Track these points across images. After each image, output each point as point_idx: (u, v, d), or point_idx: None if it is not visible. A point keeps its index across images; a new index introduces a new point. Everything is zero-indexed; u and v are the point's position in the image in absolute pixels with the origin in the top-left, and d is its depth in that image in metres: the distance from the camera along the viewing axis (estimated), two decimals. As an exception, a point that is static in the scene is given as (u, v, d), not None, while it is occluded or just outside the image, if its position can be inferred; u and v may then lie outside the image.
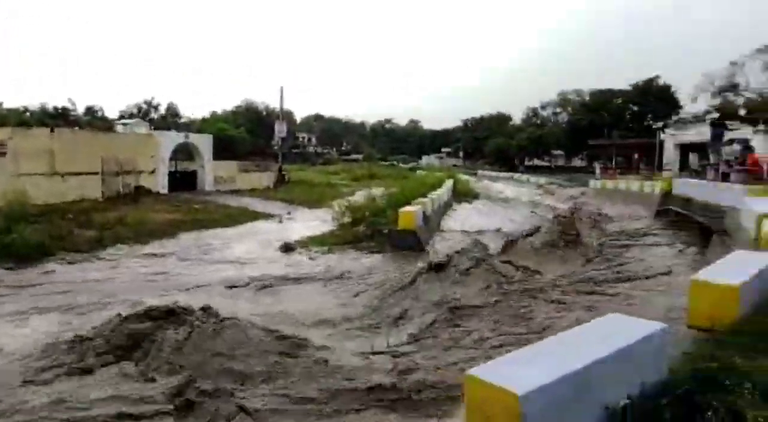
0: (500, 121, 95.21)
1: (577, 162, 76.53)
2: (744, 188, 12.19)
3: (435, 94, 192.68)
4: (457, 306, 7.89)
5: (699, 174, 24.52)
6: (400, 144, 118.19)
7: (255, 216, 21.02)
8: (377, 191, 23.30)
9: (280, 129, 40.40)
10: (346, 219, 16.70)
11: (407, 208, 15.25)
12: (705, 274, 5.36)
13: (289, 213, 23.60)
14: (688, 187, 18.87)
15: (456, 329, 7.12)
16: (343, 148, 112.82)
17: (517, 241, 13.60)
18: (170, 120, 76.46)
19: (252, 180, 32.18)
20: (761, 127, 39.98)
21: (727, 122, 30.34)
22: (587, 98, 74.02)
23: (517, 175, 60.04)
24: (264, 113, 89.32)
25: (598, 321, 4.05)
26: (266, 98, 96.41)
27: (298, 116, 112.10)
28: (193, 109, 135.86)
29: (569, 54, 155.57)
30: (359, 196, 19.71)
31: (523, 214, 22.48)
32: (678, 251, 12.72)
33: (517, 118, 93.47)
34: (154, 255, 13.41)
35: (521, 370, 3.09)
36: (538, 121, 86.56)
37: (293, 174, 40.31)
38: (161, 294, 9.25)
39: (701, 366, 3.77)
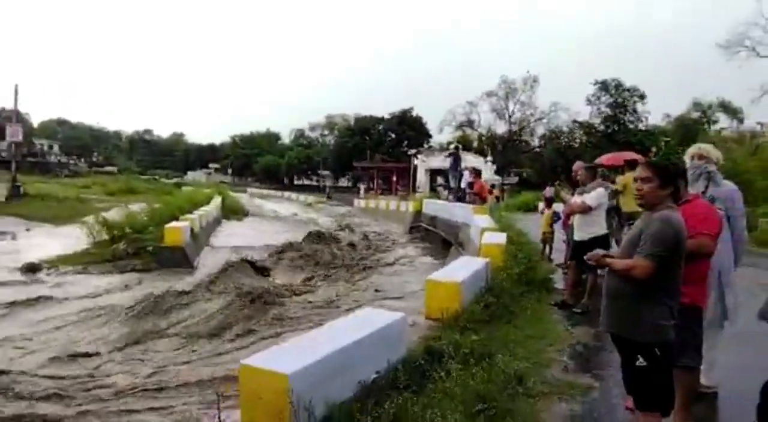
0: (270, 139, 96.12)
1: (344, 182, 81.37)
2: (472, 208, 14.77)
3: (201, 107, 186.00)
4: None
5: (442, 196, 28.43)
6: (162, 157, 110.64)
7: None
8: (138, 207, 21.77)
9: (14, 132, 34.72)
10: (104, 237, 15.30)
11: (174, 224, 14.70)
12: (437, 275, 6.59)
13: (28, 230, 20.59)
14: (433, 206, 21.82)
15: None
16: (94, 159, 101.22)
17: (283, 254, 14.30)
18: None
19: (-24, 191, 27.12)
20: (489, 158, 48.13)
21: (463, 152, 35.90)
22: (352, 122, 79.44)
23: (287, 194, 61.33)
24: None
25: (353, 314, 4.79)
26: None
27: (36, 120, 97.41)
28: None
29: (339, 80, 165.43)
30: (117, 212, 18.15)
31: (293, 230, 23.28)
32: (423, 258, 14.86)
33: (286, 137, 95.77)
34: None
35: (289, 356, 3.59)
36: (306, 142, 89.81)
37: (32, 187, 34.90)
38: None
39: (432, 345, 4.72)
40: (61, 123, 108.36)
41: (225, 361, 6.21)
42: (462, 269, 6.93)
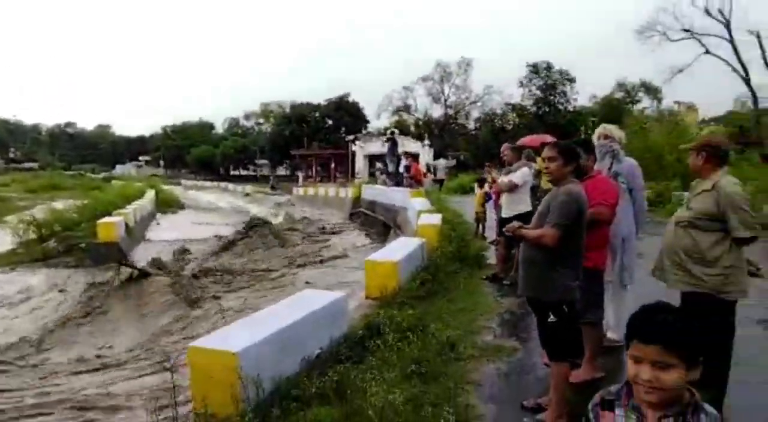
0: (203, 129, 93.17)
1: (282, 170, 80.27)
2: (408, 191, 15.21)
3: (128, 97, 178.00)
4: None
5: (379, 180, 28.81)
6: (87, 151, 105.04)
7: None
8: (64, 204, 20.93)
9: None
10: (31, 236, 14.69)
11: (107, 219, 14.32)
12: (374, 256, 6.90)
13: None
14: (372, 191, 22.16)
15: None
16: (11, 156, 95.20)
17: (227, 244, 14.25)
18: None
19: None
20: (427, 142, 48.87)
21: (400, 137, 36.34)
22: (288, 110, 78.23)
23: (223, 184, 60.00)
24: None
25: (297, 295, 5.03)
26: None
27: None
28: None
29: (273, 67, 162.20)
30: (42, 210, 17.44)
31: (231, 221, 23.03)
32: (363, 241, 15.21)
33: (220, 126, 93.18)
34: None
35: (237, 336, 3.79)
36: (241, 131, 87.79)
37: (-60, 186, 32.77)
38: None
39: (371, 320, 5.03)
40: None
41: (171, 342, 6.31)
42: (399, 249, 7.27)
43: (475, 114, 60.85)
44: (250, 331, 3.89)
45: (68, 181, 48.88)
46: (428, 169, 28.19)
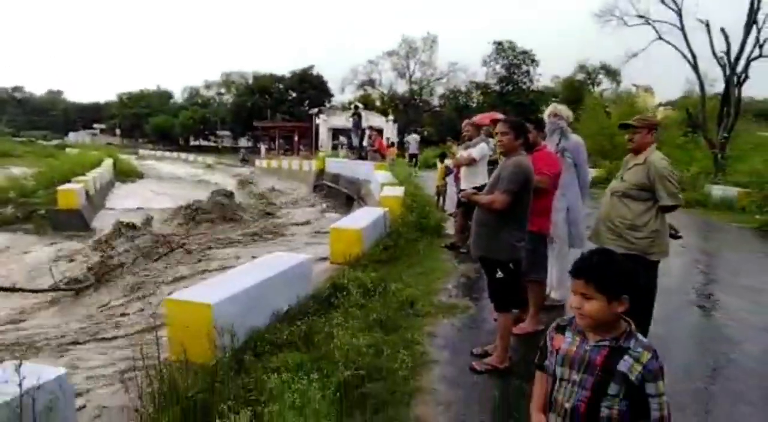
0: (161, 97, 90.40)
1: (243, 142, 78.94)
2: (373, 165, 15.51)
3: (81, 62, 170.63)
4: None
5: (341, 154, 28.95)
6: (37, 117, 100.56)
7: None
8: (19, 171, 20.39)
9: None
10: (-14, 202, 14.39)
11: (67, 186, 14.15)
12: (339, 223, 7.23)
13: None
14: (336, 165, 22.34)
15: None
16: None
17: (188, 212, 14.32)
18: None
19: None
20: (390, 117, 49.00)
21: (364, 112, 36.34)
22: (251, 81, 76.67)
23: (183, 155, 58.82)
24: None
25: (266, 256, 5.33)
26: None
27: None
28: None
29: (236, 36, 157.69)
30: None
31: (192, 191, 22.87)
32: (326, 212, 15.51)
33: (179, 96, 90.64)
34: None
35: (212, 290, 4.07)
36: (201, 101, 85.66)
37: None
38: None
39: (336, 281, 5.36)
40: None
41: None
42: (363, 218, 7.62)
43: (440, 90, 61.16)
44: (224, 286, 4.18)
45: (19, 147, 46.96)
46: (401, 144, 28.35)
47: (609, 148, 19.72)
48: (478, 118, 8.15)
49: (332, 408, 2.77)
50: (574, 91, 49.57)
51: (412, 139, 25.30)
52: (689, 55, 20.02)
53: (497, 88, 55.01)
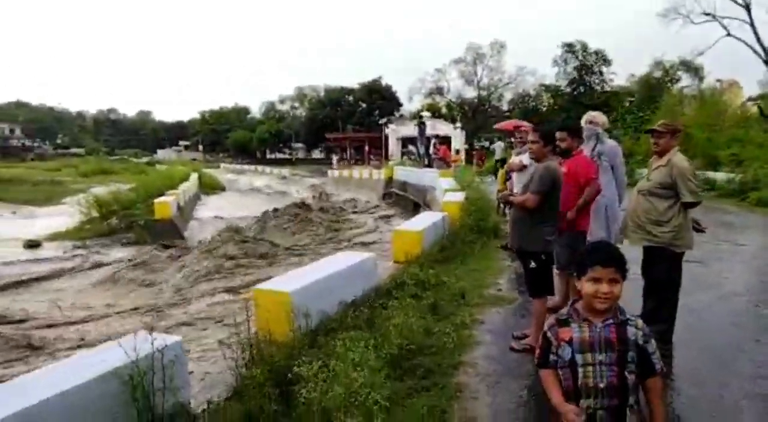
0: (239, 113, 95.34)
1: (317, 154, 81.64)
2: (437, 172, 16.12)
3: (167, 84, 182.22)
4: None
5: (414, 163, 29.71)
6: (129, 137, 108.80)
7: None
8: (115, 187, 22.59)
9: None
10: (94, 214, 16.25)
11: (162, 199, 15.75)
12: (401, 226, 7.91)
13: (14, 212, 21.33)
14: (403, 173, 23.12)
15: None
16: (59, 141, 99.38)
17: (269, 220, 15.52)
18: None
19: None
20: (458, 124, 49.26)
21: (432, 120, 36.93)
22: (322, 94, 79.26)
23: (260, 168, 61.74)
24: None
25: (335, 254, 6.10)
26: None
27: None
28: None
29: (306, 52, 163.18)
30: (99, 192, 19.03)
31: (270, 202, 24.35)
32: (393, 217, 16.31)
33: (256, 111, 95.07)
34: None
35: (290, 281, 4.86)
36: (277, 115, 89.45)
37: (1, 171, 35.15)
38: None
39: (397, 277, 6.04)
40: (20, 105, 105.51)
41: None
42: (423, 221, 8.27)
43: (509, 95, 60.71)
44: (299, 278, 4.96)
45: (116, 165, 51.24)
46: (470, 151, 28.61)
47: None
48: (502, 125, 8.63)
49: (385, 367, 3.43)
50: (651, 89, 47.75)
51: (498, 146, 25.67)
52: (761, 51, 19.21)
53: (568, 90, 53.87)
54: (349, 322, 4.66)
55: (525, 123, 11.86)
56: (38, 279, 9.73)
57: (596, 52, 52.97)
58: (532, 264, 4.21)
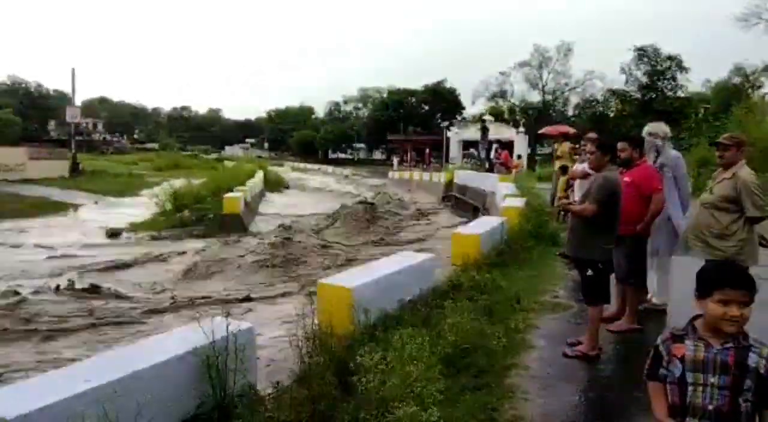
0: (304, 113, 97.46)
1: (378, 155, 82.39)
2: (497, 177, 16.08)
3: (236, 83, 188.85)
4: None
5: (474, 167, 29.63)
6: (200, 133, 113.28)
7: (61, 206, 20.14)
8: (186, 181, 23.78)
9: (73, 114, 37.24)
10: (168, 206, 17.26)
11: (231, 194, 16.53)
12: (460, 230, 8.04)
13: (96, 202, 22.88)
14: (464, 176, 23.14)
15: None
16: (136, 136, 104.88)
17: (331, 219, 15.99)
18: None
19: (44, 169, 29.61)
20: (521, 129, 48.53)
21: (494, 124, 36.62)
22: (386, 95, 79.88)
23: (324, 167, 62.95)
24: (36, 94, 79.18)
25: (396, 254, 6.33)
26: (38, 76, 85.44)
27: (78, 99, 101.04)
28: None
29: (370, 52, 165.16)
30: (172, 185, 20.16)
31: (332, 200, 24.96)
32: (455, 221, 16.43)
33: (321, 111, 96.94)
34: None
35: (352, 278, 5.12)
36: (341, 116, 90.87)
37: (87, 163, 37.63)
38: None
39: (454, 280, 6.19)
40: (103, 101, 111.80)
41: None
42: (481, 226, 8.37)
43: (574, 100, 59.19)
44: (361, 275, 5.21)
45: (187, 160, 53.66)
46: (518, 156, 28.31)
47: (760, 160, 18.22)
48: (549, 130, 8.64)
49: (440, 364, 3.62)
50: (729, 96, 45.31)
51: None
52: None
53: (638, 95, 51.91)
54: (407, 319, 4.87)
55: (569, 128, 11.86)
56: (122, 266, 10.53)
57: (670, 57, 50.76)
58: (589, 272, 4.28)
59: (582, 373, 4.08)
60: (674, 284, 5.42)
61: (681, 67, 50.69)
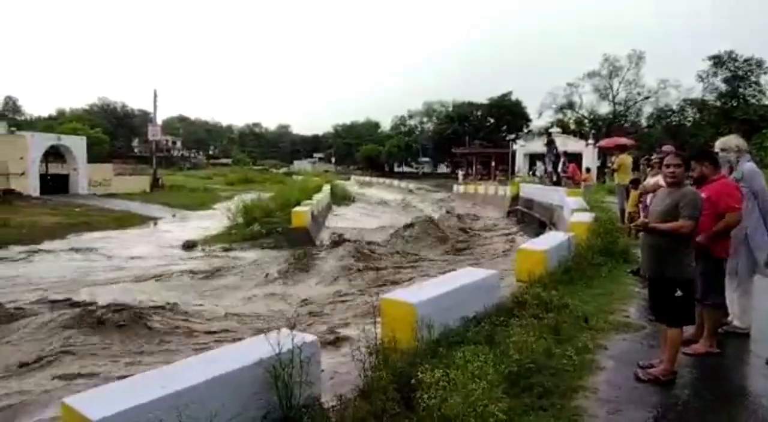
0: (370, 127, 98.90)
1: (443, 168, 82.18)
2: (565, 191, 15.64)
3: (304, 99, 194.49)
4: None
5: (541, 180, 29.00)
6: (270, 148, 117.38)
7: (141, 219, 21.41)
8: (256, 195, 24.66)
9: (155, 132, 39.62)
10: (239, 220, 17.97)
11: (299, 208, 16.99)
12: (525, 245, 7.90)
13: (174, 215, 24.12)
14: (530, 190, 22.65)
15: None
16: (210, 152, 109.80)
17: (397, 233, 16.11)
18: (9, 117, 69.56)
19: (128, 184, 31.73)
20: (590, 141, 47.04)
21: (562, 136, 35.67)
22: (450, 109, 79.80)
23: (389, 181, 63.47)
24: (122, 114, 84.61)
25: (460, 269, 6.30)
26: (124, 97, 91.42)
27: (159, 117, 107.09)
28: (36, 106, 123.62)
29: (434, 66, 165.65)
30: (244, 199, 20.98)
31: (397, 214, 25.16)
32: (517, 235, 16.10)
33: (386, 125, 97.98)
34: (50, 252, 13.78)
35: (416, 293, 5.15)
36: (406, 129, 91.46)
37: (166, 178, 39.87)
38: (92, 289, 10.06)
39: (518, 297, 6.09)
40: (182, 120, 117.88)
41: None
42: (548, 241, 8.18)
43: (648, 110, 56.79)
44: (425, 291, 5.24)
45: (257, 175, 55.67)
46: (587, 170, 27.48)
47: None
48: (604, 143, 8.31)
49: (503, 382, 3.58)
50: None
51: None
52: None
53: (717, 103, 49.07)
54: (470, 336, 4.84)
55: (626, 140, 11.47)
56: (197, 276, 11.10)
57: (748, 60, 47.61)
58: (678, 293, 4.06)
59: (654, 398, 3.90)
60: (757, 306, 5.09)
61: (758, 66, 47.42)
